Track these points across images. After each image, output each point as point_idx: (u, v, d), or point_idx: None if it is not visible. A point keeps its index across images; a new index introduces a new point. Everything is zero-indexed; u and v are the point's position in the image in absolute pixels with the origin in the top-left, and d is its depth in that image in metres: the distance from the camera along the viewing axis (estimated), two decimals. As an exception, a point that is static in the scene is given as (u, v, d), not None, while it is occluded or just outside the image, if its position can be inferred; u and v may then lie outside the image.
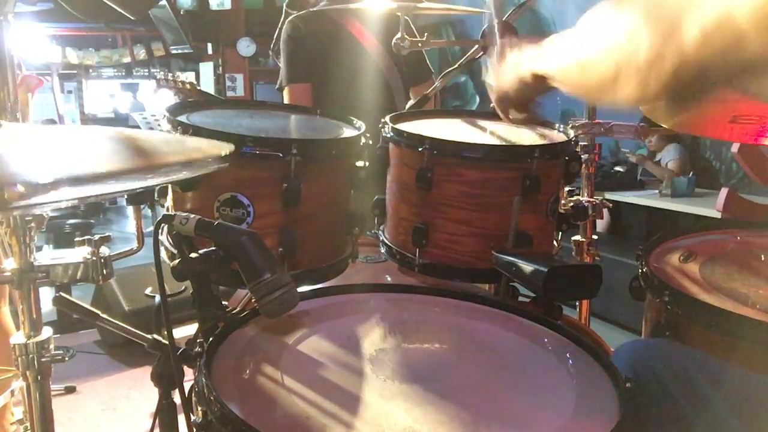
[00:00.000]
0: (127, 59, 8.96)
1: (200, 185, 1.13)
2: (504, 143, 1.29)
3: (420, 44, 1.65)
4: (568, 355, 0.96)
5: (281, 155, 1.10)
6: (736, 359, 0.96)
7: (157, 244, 0.97)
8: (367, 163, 1.26)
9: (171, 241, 1.13)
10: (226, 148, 0.80)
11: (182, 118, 1.19)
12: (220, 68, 7.59)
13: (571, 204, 1.42)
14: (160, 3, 6.77)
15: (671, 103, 0.64)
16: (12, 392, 1.82)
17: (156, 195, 1.25)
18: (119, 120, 9.27)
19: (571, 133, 1.34)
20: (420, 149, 1.19)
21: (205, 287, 0.93)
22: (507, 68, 0.95)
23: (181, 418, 0.95)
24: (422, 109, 1.78)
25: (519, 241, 1.18)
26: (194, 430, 0.79)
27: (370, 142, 1.28)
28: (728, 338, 0.98)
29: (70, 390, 2.87)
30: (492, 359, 0.94)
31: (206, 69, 7.92)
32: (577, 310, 1.74)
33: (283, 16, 2.37)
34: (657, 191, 4.15)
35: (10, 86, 1.01)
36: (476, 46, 1.62)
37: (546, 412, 0.80)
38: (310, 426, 0.72)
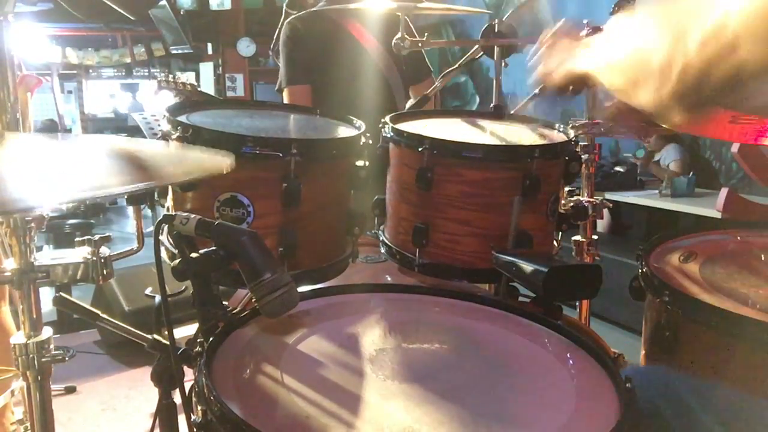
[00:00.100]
0: (127, 59, 8.96)
1: (200, 185, 1.13)
2: (504, 143, 1.29)
3: (420, 44, 1.65)
4: (568, 355, 0.96)
5: (281, 155, 1.10)
6: (735, 359, 0.96)
7: (157, 244, 0.97)
8: (367, 163, 1.26)
9: (171, 241, 1.13)
10: (227, 162, 0.81)
11: (182, 118, 1.19)
12: (220, 68, 7.59)
13: (571, 204, 1.42)
14: (160, 3, 6.77)
15: (680, 111, 0.65)
16: (12, 392, 1.82)
17: (156, 195, 1.25)
18: (119, 120, 9.27)
19: (571, 133, 1.34)
20: (420, 149, 1.19)
21: (205, 287, 0.93)
22: (554, 59, 0.97)
23: (181, 418, 0.95)
24: (422, 109, 1.78)
25: (519, 241, 1.18)
26: (194, 429, 0.79)
27: (370, 142, 1.28)
28: (728, 338, 0.98)
29: (70, 390, 2.87)
30: (492, 359, 0.94)
31: (206, 69, 7.92)
32: (577, 310, 1.74)
33: (283, 16, 2.36)
34: (657, 191, 4.15)
35: (10, 86, 1.01)
36: (476, 46, 1.62)
37: (546, 412, 0.80)
38: (310, 425, 0.72)
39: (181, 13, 7.28)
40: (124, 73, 9.36)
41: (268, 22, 6.58)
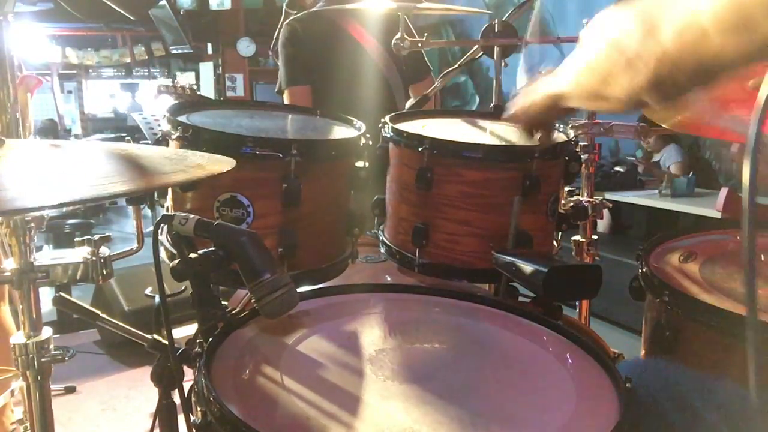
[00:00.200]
0: (127, 59, 8.96)
1: (200, 185, 1.13)
2: (504, 143, 1.29)
3: (420, 44, 1.65)
4: (568, 355, 0.95)
5: (281, 155, 1.10)
6: (736, 359, 0.96)
7: (156, 244, 0.97)
8: (367, 163, 1.26)
9: (171, 241, 1.13)
10: (227, 165, 0.81)
11: (182, 119, 1.19)
12: (220, 68, 7.59)
13: (571, 204, 1.42)
14: (160, 3, 6.77)
15: (655, 100, 0.67)
16: (12, 392, 1.82)
17: (156, 195, 1.25)
18: (119, 120, 9.27)
19: (571, 133, 1.35)
20: (420, 149, 1.19)
21: (204, 287, 0.93)
22: (528, 95, 0.99)
23: (181, 418, 0.95)
24: (422, 109, 1.78)
25: (519, 241, 1.18)
26: (194, 430, 0.79)
27: (370, 143, 1.28)
28: (728, 338, 0.98)
29: (70, 390, 2.87)
30: (492, 359, 0.94)
31: (206, 69, 7.92)
32: (577, 310, 1.74)
33: (283, 16, 2.36)
34: (657, 191, 4.15)
35: (10, 86, 1.01)
36: (476, 46, 1.62)
37: (546, 412, 0.80)
38: (310, 426, 0.72)
39: (181, 13, 7.28)
40: (124, 73, 9.37)
41: (268, 22, 6.58)
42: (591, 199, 1.59)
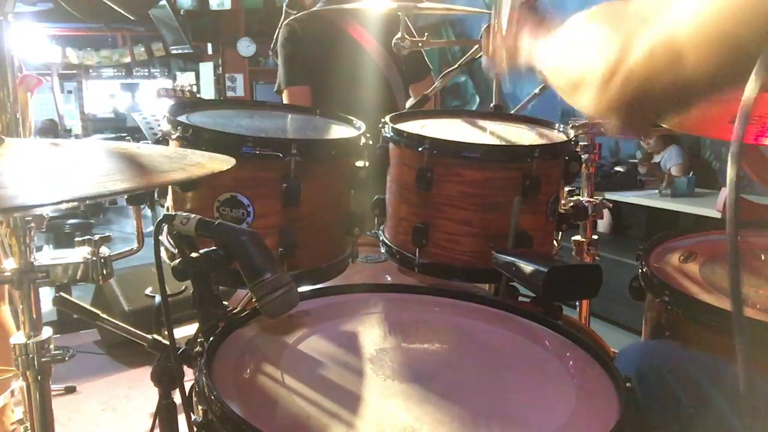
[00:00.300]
0: (127, 59, 8.95)
1: (200, 185, 1.13)
2: (504, 143, 1.29)
3: (420, 44, 1.65)
4: (568, 355, 0.96)
5: (281, 155, 1.10)
6: (736, 359, 0.96)
7: (157, 244, 0.97)
8: (367, 163, 1.26)
9: (171, 241, 1.13)
10: (225, 164, 0.81)
11: (182, 119, 1.20)
12: (220, 68, 7.59)
13: (571, 204, 1.42)
14: (160, 3, 6.77)
15: (618, 120, 0.63)
16: (12, 392, 1.82)
17: (156, 195, 1.25)
18: (119, 120, 9.27)
19: (571, 133, 1.34)
20: (420, 149, 1.19)
21: (205, 287, 0.93)
22: (510, 39, 0.93)
23: (181, 418, 0.95)
24: (422, 109, 1.78)
25: (519, 241, 1.18)
26: (195, 429, 0.79)
27: (370, 142, 1.28)
28: (728, 338, 0.97)
29: (70, 390, 2.87)
30: (492, 359, 0.94)
31: (206, 69, 7.92)
32: (577, 310, 1.74)
33: (283, 16, 2.36)
34: (657, 191, 4.15)
35: (10, 86, 1.01)
36: (476, 46, 1.62)
37: (546, 412, 0.80)
38: (310, 425, 0.72)
39: (181, 13, 7.28)
40: (124, 73, 9.36)
41: (268, 22, 6.58)
42: (591, 199, 1.59)
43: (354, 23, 2.32)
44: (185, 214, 0.92)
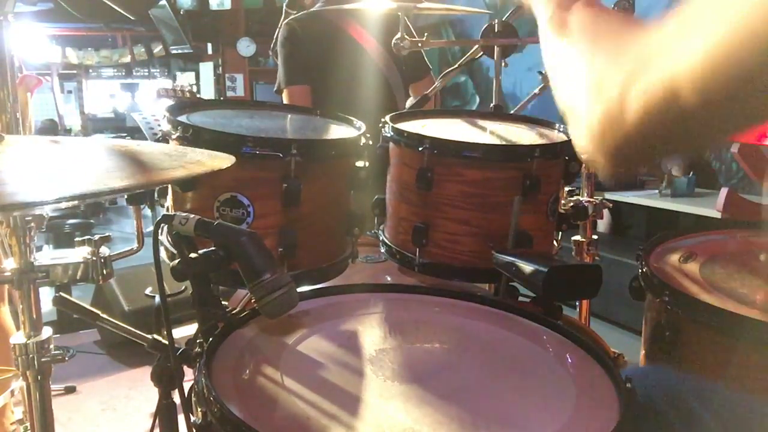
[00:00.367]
0: (127, 59, 8.95)
1: (200, 185, 1.13)
2: (504, 143, 1.29)
3: (420, 44, 1.65)
4: (568, 355, 0.95)
5: (281, 155, 1.10)
6: (735, 359, 0.96)
7: (157, 244, 0.97)
8: (367, 163, 1.26)
9: (171, 241, 1.13)
10: (226, 161, 0.81)
11: (182, 119, 1.19)
12: (220, 68, 7.58)
13: (571, 204, 1.42)
14: (160, 3, 6.77)
15: (617, 167, 0.59)
16: (12, 392, 1.82)
17: (156, 195, 1.25)
18: (119, 120, 9.27)
19: (572, 133, 1.34)
20: (420, 149, 1.19)
21: (205, 287, 0.93)
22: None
23: (181, 418, 0.94)
24: (422, 109, 1.78)
25: (519, 241, 1.18)
26: (194, 430, 0.79)
27: (370, 142, 1.28)
28: (728, 338, 0.98)
29: (70, 390, 2.87)
30: (492, 359, 0.94)
31: (206, 69, 7.91)
32: (577, 310, 1.74)
33: (283, 16, 2.36)
34: (657, 191, 4.15)
35: (10, 86, 1.01)
36: (476, 46, 1.62)
37: (546, 412, 0.80)
38: (310, 426, 0.72)
39: (181, 13, 7.28)
40: (124, 73, 9.36)
41: (268, 22, 6.57)
42: (591, 199, 1.59)
43: (354, 23, 2.32)
44: (184, 214, 0.92)
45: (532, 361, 0.95)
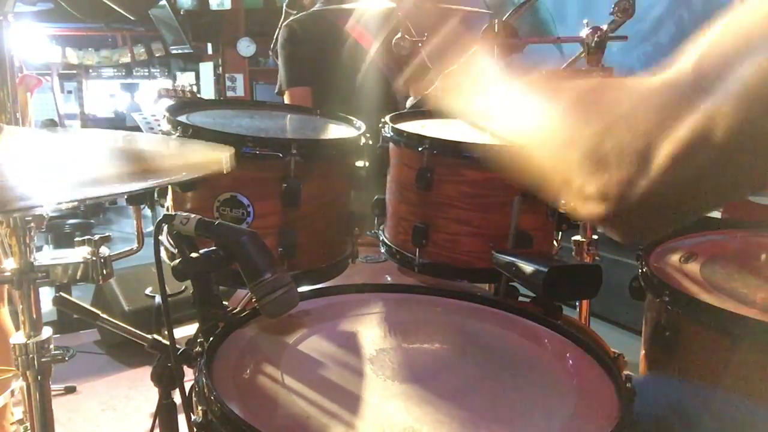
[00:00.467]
0: (127, 59, 8.96)
1: (200, 185, 1.13)
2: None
3: (420, 44, 1.65)
4: (568, 355, 0.96)
5: (281, 155, 1.10)
6: (735, 359, 0.96)
7: (157, 244, 0.97)
8: (367, 163, 1.26)
9: (171, 241, 1.13)
10: (225, 153, 0.80)
11: (182, 118, 1.20)
12: (220, 68, 7.59)
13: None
14: (160, 3, 6.77)
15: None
16: (12, 392, 1.82)
17: (156, 195, 1.25)
18: (119, 120, 9.28)
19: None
20: (420, 149, 1.19)
21: (205, 287, 0.93)
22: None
23: (181, 418, 0.95)
24: (422, 109, 1.78)
25: (519, 241, 1.18)
26: (194, 429, 0.79)
27: (370, 143, 1.28)
28: (728, 338, 0.98)
29: (70, 390, 2.87)
30: (492, 359, 0.94)
31: (206, 69, 7.92)
32: (577, 310, 1.74)
33: (283, 16, 2.36)
34: (657, 191, 4.15)
35: (10, 86, 1.01)
36: (476, 45, 1.62)
37: (546, 412, 0.80)
38: (310, 426, 0.72)
39: (181, 13, 7.28)
40: (124, 73, 9.36)
41: (268, 22, 6.56)
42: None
43: (354, 23, 2.32)
44: (185, 214, 0.92)
45: (532, 361, 0.95)
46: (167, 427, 1.02)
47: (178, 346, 0.93)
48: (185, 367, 0.93)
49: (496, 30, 1.55)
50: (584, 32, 1.52)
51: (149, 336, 1.01)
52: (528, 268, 1.08)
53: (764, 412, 0.85)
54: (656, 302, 1.12)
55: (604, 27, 1.53)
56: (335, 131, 1.34)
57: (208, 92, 7.66)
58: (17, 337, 0.98)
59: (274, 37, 2.37)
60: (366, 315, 1.07)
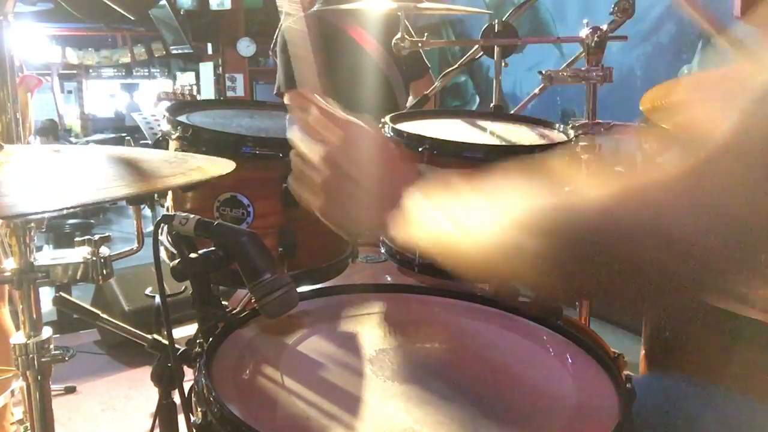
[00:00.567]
0: (127, 59, 8.96)
1: (200, 185, 1.13)
2: (504, 143, 1.29)
3: (420, 44, 1.65)
4: (568, 355, 0.95)
5: (281, 155, 1.10)
6: (735, 359, 0.96)
7: (157, 244, 0.97)
8: (367, 163, 1.25)
9: (171, 241, 1.13)
10: (227, 167, 0.80)
11: (182, 118, 1.19)
12: (220, 68, 7.59)
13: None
14: (160, 3, 6.77)
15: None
16: (12, 392, 1.82)
17: (156, 195, 1.25)
18: (118, 120, 9.28)
19: (571, 133, 1.34)
20: (420, 149, 1.19)
21: (205, 287, 0.93)
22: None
23: (181, 418, 0.95)
24: (422, 109, 1.78)
25: (519, 241, 1.18)
26: (194, 430, 0.79)
27: (370, 142, 1.27)
28: (728, 338, 0.98)
29: (70, 390, 2.87)
30: (492, 359, 0.94)
31: (206, 69, 7.92)
32: (577, 310, 1.74)
33: (282, 16, 2.36)
34: (657, 191, 4.15)
35: (10, 86, 1.02)
36: (476, 46, 1.62)
37: (546, 413, 0.80)
38: (310, 426, 0.72)
39: (181, 13, 7.28)
40: (124, 73, 9.37)
41: (268, 22, 6.58)
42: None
43: (354, 24, 2.32)
44: (184, 214, 0.92)
45: (532, 361, 0.95)
46: (167, 428, 1.02)
47: (177, 346, 0.93)
48: (185, 367, 0.93)
49: (496, 30, 1.55)
50: (584, 32, 1.52)
51: (149, 336, 1.01)
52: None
53: (764, 412, 0.85)
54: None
55: (604, 27, 1.53)
56: (335, 131, 1.34)
57: (208, 92, 7.67)
58: (17, 337, 0.98)
59: (274, 37, 2.38)
60: (366, 315, 1.07)
